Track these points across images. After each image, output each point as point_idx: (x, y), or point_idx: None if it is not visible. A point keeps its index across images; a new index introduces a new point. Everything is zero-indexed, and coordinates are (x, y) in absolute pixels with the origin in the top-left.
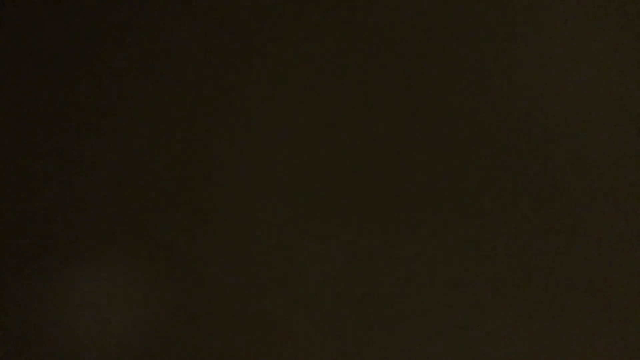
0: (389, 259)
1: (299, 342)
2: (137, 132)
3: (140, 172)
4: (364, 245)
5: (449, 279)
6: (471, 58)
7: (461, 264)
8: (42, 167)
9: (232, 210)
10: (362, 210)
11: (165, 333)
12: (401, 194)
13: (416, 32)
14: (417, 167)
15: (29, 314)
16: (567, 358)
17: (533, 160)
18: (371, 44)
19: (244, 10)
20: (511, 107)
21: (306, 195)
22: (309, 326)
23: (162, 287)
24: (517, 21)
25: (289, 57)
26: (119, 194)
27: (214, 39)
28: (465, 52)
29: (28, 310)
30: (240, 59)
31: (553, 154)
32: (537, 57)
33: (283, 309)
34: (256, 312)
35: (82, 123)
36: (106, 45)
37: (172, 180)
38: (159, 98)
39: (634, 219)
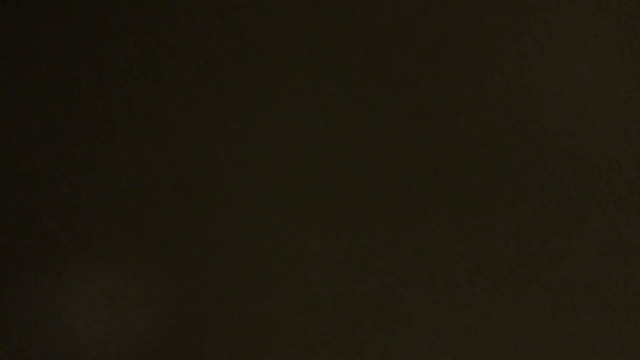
0: (389, 259)
1: (299, 342)
2: (137, 132)
3: (140, 172)
4: (364, 245)
5: (449, 279)
6: (471, 58)
7: (461, 264)
8: (42, 167)
9: (232, 210)
10: (362, 210)
11: (166, 333)
12: (401, 194)
13: (416, 31)
14: (417, 167)
15: (29, 314)
16: (567, 358)
17: (533, 160)
18: (371, 43)
19: (244, 10)
20: (511, 107)
21: (306, 195)
22: (309, 326)
23: (162, 287)
24: (517, 21)
25: (289, 56)
26: (119, 194)
27: (213, 38)
28: (465, 52)
29: (28, 310)
30: (240, 59)
31: (553, 154)
32: (537, 57)
33: (283, 309)
34: (256, 312)
35: (82, 123)
36: (106, 45)
37: (172, 180)
38: (159, 98)
39: (634, 219)
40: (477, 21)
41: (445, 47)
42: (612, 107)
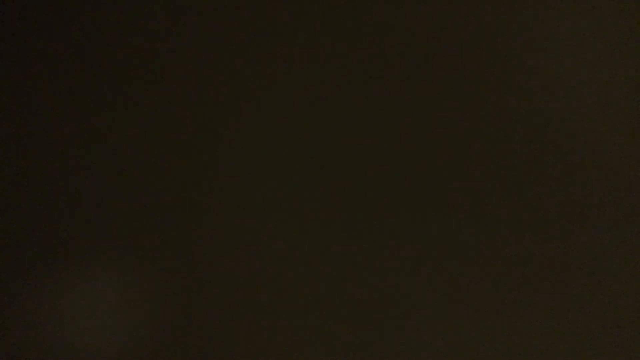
0: (389, 259)
1: (299, 342)
2: (138, 132)
3: (140, 172)
4: (364, 245)
5: (450, 279)
6: (471, 57)
7: (462, 264)
8: (43, 167)
9: (233, 210)
10: (362, 210)
11: (166, 333)
12: (401, 194)
13: (416, 31)
14: (417, 167)
15: (29, 314)
16: (567, 358)
17: (533, 160)
18: (371, 43)
19: (244, 10)
20: (511, 107)
21: (307, 195)
22: (309, 326)
23: (162, 287)
24: (517, 21)
25: (289, 56)
26: (119, 194)
27: (213, 38)
28: (465, 52)
29: (28, 310)
30: (240, 58)
31: (553, 154)
32: (538, 56)
33: (284, 309)
34: (257, 312)
35: (82, 122)
36: (106, 45)
37: (172, 181)
38: (159, 98)
39: (634, 219)
40: (477, 21)
41: (445, 47)
42: (612, 107)
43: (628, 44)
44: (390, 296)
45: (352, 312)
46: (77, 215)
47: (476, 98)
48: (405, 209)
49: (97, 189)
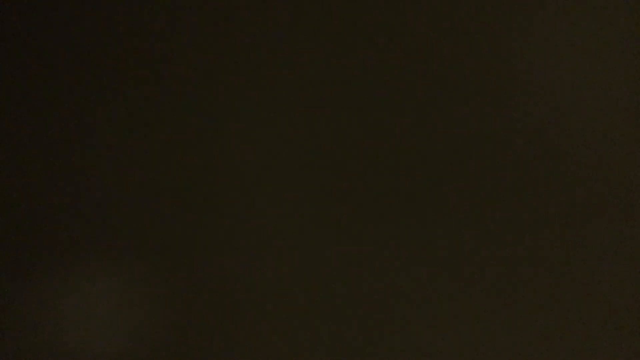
0: (389, 259)
1: (299, 342)
2: (138, 132)
3: (140, 172)
4: (364, 245)
5: (450, 279)
6: (471, 58)
7: (462, 264)
8: (42, 167)
9: (233, 210)
10: (362, 210)
11: (166, 333)
12: (402, 194)
13: (416, 31)
14: (417, 168)
15: (29, 314)
16: (567, 358)
17: (533, 160)
18: (371, 43)
19: (244, 10)
20: (511, 107)
21: (307, 195)
22: (310, 326)
23: (162, 287)
24: (517, 20)
25: (289, 55)
26: (119, 194)
27: (213, 38)
28: (465, 52)
29: (28, 310)
30: (240, 58)
31: (553, 154)
32: (538, 56)
33: (284, 310)
34: (257, 312)
35: (82, 122)
36: (106, 45)
37: (172, 181)
38: (159, 98)
39: (634, 219)
40: (477, 21)
41: (445, 47)
42: (612, 107)
43: (628, 44)
44: (390, 296)
45: (352, 312)
46: (77, 215)
47: (476, 98)
48: (406, 209)
49: (97, 189)
